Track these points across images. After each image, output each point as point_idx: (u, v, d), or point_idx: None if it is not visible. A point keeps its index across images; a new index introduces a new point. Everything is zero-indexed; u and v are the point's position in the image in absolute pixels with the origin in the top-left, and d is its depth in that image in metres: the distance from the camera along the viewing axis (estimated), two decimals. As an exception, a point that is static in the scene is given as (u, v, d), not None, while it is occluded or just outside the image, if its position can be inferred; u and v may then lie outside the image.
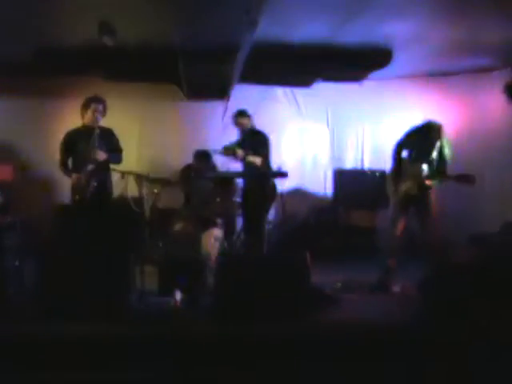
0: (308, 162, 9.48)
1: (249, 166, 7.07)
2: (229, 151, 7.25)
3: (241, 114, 7.27)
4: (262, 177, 6.96)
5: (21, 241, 6.13)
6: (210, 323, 5.06)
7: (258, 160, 7.00)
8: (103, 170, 6.34)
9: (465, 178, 5.96)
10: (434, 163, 6.24)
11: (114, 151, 6.45)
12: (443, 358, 4.52)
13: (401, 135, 6.52)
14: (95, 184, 6.21)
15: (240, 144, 7.27)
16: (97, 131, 6.17)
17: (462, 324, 4.82)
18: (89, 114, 6.26)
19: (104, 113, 6.34)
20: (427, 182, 6.16)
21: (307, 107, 9.40)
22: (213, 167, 8.24)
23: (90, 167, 6.17)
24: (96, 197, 6.24)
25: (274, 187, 7.03)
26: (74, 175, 6.24)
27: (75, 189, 6.25)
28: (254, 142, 7.13)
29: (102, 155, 6.22)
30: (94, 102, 6.26)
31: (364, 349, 4.62)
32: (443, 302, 5.18)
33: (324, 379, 4.42)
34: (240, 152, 7.05)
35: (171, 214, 7.69)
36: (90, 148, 6.16)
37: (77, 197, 6.21)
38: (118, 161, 6.49)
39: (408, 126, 6.54)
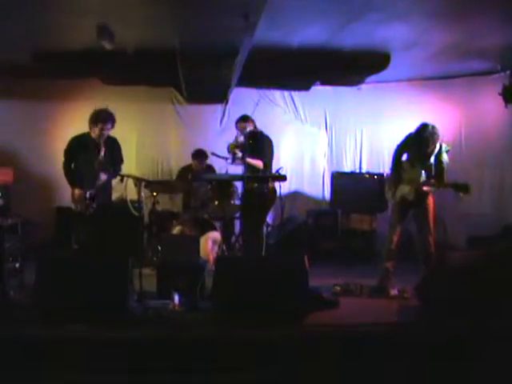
0: (306, 165, 9.50)
1: (249, 169, 7.06)
2: (231, 149, 7.26)
3: (240, 119, 7.30)
4: (260, 179, 6.96)
5: (21, 243, 6.15)
6: (209, 326, 5.07)
7: (258, 162, 7.02)
8: (104, 188, 6.42)
9: (461, 188, 5.94)
10: (432, 168, 6.24)
11: (116, 162, 6.51)
12: (441, 359, 4.54)
13: (400, 139, 6.53)
14: (95, 205, 6.28)
15: (240, 145, 7.27)
16: (101, 156, 6.25)
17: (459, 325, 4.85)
18: (96, 130, 6.29)
19: (112, 128, 6.38)
20: (424, 189, 6.16)
21: (305, 111, 9.42)
22: (211, 170, 8.30)
23: (92, 191, 6.23)
24: (97, 207, 6.30)
25: (273, 190, 7.03)
26: (76, 191, 6.28)
27: (77, 201, 6.31)
28: (253, 144, 7.13)
29: (104, 177, 6.30)
30: (101, 122, 6.27)
31: (363, 351, 4.64)
32: (440, 304, 5.21)
33: (324, 381, 4.43)
34: (238, 153, 7.08)
35: (170, 217, 7.72)
36: (95, 170, 6.24)
37: (78, 207, 6.28)
38: (118, 172, 6.53)
39: (406, 129, 6.55)
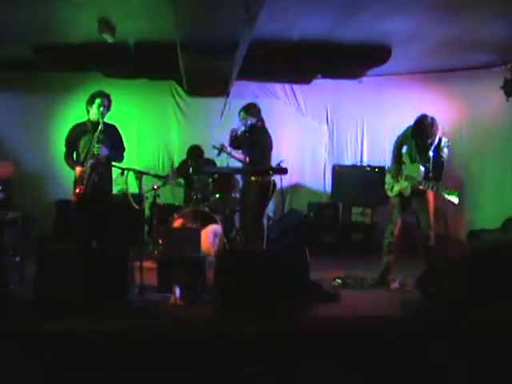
0: (307, 158, 9.50)
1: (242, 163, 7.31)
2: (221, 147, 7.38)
3: (243, 109, 7.30)
4: (258, 173, 7.00)
5: (21, 236, 6.14)
6: (210, 319, 5.07)
7: (241, 157, 7.15)
8: (105, 165, 6.34)
9: (452, 193, 5.90)
10: (430, 164, 6.20)
11: (117, 148, 6.45)
12: (442, 352, 4.55)
13: (400, 131, 6.53)
14: (96, 178, 6.20)
15: (238, 137, 7.34)
16: (101, 127, 6.16)
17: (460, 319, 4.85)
18: (94, 109, 6.26)
19: (109, 107, 6.34)
20: (420, 187, 6.14)
21: (306, 104, 9.42)
22: (212, 163, 8.30)
23: (92, 162, 6.15)
24: (96, 192, 6.24)
25: (272, 184, 7.04)
26: (78, 168, 6.23)
27: (77, 181, 6.25)
28: (249, 138, 7.19)
29: (103, 151, 6.21)
30: (98, 97, 6.26)
31: (364, 344, 4.64)
32: (442, 296, 5.21)
33: (324, 375, 4.44)
34: (225, 147, 7.20)
35: (171, 210, 7.71)
36: (93, 143, 6.16)
37: (77, 190, 6.20)
38: (120, 158, 6.48)
39: (407, 122, 6.54)
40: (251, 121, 7.18)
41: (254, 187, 7.00)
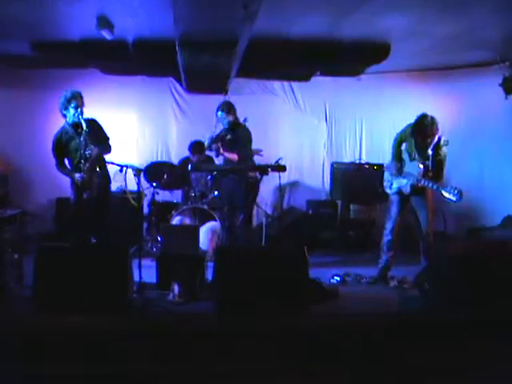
0: (306, 156, 9.49)
1: (228, 161, 7.44)
2: (209, 145, 7.45)
3: (220, 108, 7.40)
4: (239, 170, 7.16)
5: (21, 234, 6.13)
6: (209, 316, 5.08)
7: (233, 156, 7.19)
8: (99, 163, 6.33)
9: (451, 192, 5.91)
10: (430, 162, 6.20)
11: (102, 141, 6.37)
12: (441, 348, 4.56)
13: (400, 129, 6.52)
14: (96, 180, 6.20)
15: (220, 138, 7.40)
16: (85, 128, 6.08)
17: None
18: (71, 111, 6.16)
19: (83, 104, 6.25)
20: (419, 185, 6.14)
21: (305, 101, 9.40)
22: (210, 160, 8.30)
23: (88, 165, 6.12)
24: (98, 190, 6.24)
25: (254, 181, 7.16)
26: (78, 175, 6.16)
27: (81, 187, 6.19)
28: (231, 136, 7.27)
29: (94, 151, 6.16)
30: (72, 100, 6.16)
31: (363, 341, 4.65)
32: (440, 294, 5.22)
33: (323, 372, 4.44)
34: (214, 146, 7.24)
35: (169, 207, 7.72)
36: (81, 148, 6.11)
37: (84, 195, 6.16)
38: (109, 150, 6.43)
39: (405, 120, 6.54)
40: (229, 119, 7.29)
41: (246, 183, 7.12)
